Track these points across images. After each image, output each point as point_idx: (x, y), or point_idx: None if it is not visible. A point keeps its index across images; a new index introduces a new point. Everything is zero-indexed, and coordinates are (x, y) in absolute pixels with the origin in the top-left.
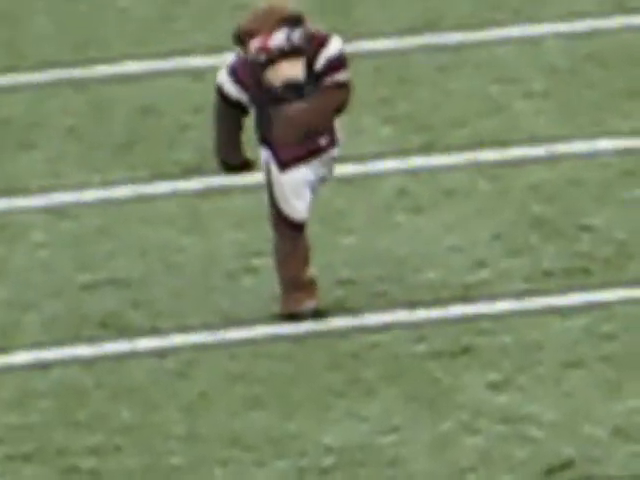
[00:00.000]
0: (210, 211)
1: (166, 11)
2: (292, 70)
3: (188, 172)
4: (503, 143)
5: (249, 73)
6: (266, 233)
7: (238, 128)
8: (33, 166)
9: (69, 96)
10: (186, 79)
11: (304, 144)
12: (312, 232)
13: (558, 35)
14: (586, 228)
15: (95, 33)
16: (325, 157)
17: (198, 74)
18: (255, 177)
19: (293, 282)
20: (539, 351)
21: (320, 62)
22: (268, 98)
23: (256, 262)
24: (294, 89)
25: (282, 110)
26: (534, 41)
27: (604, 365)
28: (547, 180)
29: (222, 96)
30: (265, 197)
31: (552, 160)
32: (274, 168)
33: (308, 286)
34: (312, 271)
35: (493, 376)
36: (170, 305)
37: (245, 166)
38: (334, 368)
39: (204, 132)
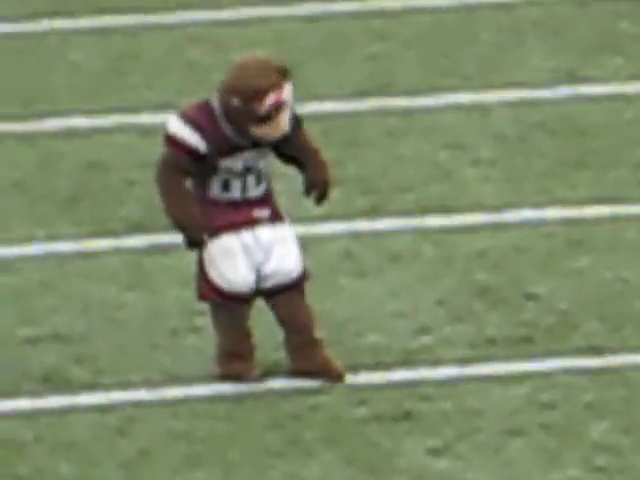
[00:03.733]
0: (154, 268)
1: (117, 66)
2: (286, 121)
3: (133, 229)
4: (449, 209)
5: (207, 121)
6: None
7: (189, 191)
8: None
9: (16, 149)
10: (134, 135)
11: (236, 213)
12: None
13: (507, 103)
14: (530, 297)
15: (44, 87)
16: (265, 233)
17: (146, 131)
18: None
19: (231, 352)
20: (480, 418)
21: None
22: (225, 149)
23: (199, 321)
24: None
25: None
26: (483, 108)
27: (544, 434)
28: (492, 247)
29: (179, 145)
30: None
31: (498, 228)
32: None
33: (247, 356)
34: (253, 339)
35: (433, 442)
36: (112, 361)
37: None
38: (274, 429)
39: (150, 189)
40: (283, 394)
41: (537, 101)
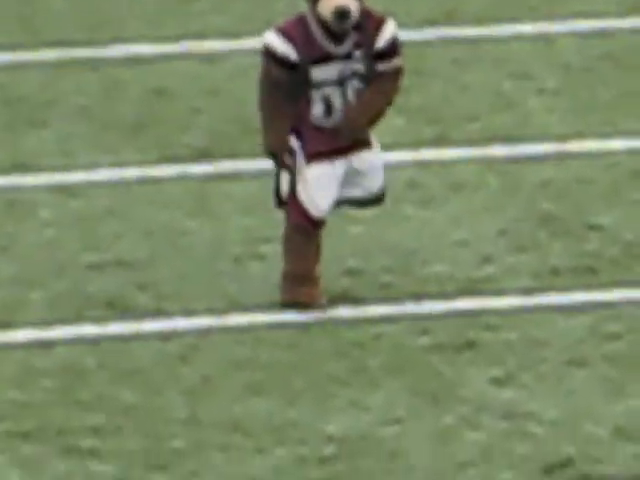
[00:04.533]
0: (218, 196)
1: None
2: (344, 3)
3: (198, 156)
4: (514, 139)
5: (300, 32)
6: (274, 220)
7: (286, 105)
8: (44, 145)
9: (82, 76)
10: (200, 62)
11: (329, 141)
12: None
13: (573, 33)
14: (594, 227)
15: (110, 13)
16: (356, 159)
17: (212, 58)
18: (265, 163)
19: (303, 276)
20: (543, 348)
21: (380, 42)
22: (317, 57)
23: (264, 248)
24: (344, 19)
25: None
26: (549, 38)
27: (607, 365)
28: (556, 178)
29: (271, 55)
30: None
31: (562, 158)
32: (300, 159)
33: (317, 282)
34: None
35: (496, 372)
36: (175, 288)
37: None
38: (338, 357)
39: (216, 116)
40: (347, 322)
41: (602, 32)
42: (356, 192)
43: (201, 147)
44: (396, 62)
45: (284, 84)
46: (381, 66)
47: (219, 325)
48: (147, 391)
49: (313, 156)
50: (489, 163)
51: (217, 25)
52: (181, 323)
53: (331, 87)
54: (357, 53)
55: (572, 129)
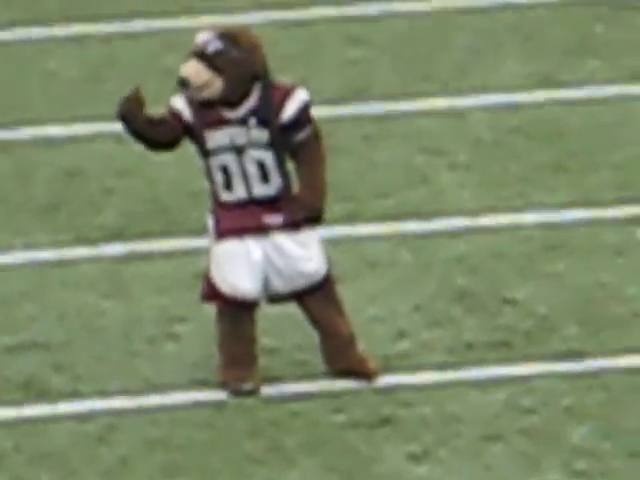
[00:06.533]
0: (132, 276)
1: (94, 73)
2: (189, 68)
3: (111, 236)
4: (426, 214)
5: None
6: (188, 299)
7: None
8: None
9: None
10: (111, 143)
11: (244, 217)
12: None
13: (483, 108)
14: (508, 301)
15: (20, 95)
16: (279, 238)
17: (123, 138)
18: (178, 243)
19: (232, 359)
20: (459, 423)
21: (288, 112)
22: (210, 121)
23: (178, 328)
24: (184, 87)
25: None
26: (459, 113)
27: (523, 439)
28: (470, 252)
29: (168, 109)
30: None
31: (475, 232)
32: (212, 237)
33: (246, 364)
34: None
35: (413, 447)
36: (91, 369)
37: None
38: (254, 436)
39: (128, 196)
40: (263, 401)
41: (513, 105)
42: (298, 282)
43: (114, 228)
44: (311, 127)
45: (174, 133)
46: (299, 136)
47: (135, 406)
48: (64, 473)
49: (222, 233)
50: (402, 239)
51: None
52: (97, 404)
53: (227, 155)
54: (252, 120)
55: (484, 203)
